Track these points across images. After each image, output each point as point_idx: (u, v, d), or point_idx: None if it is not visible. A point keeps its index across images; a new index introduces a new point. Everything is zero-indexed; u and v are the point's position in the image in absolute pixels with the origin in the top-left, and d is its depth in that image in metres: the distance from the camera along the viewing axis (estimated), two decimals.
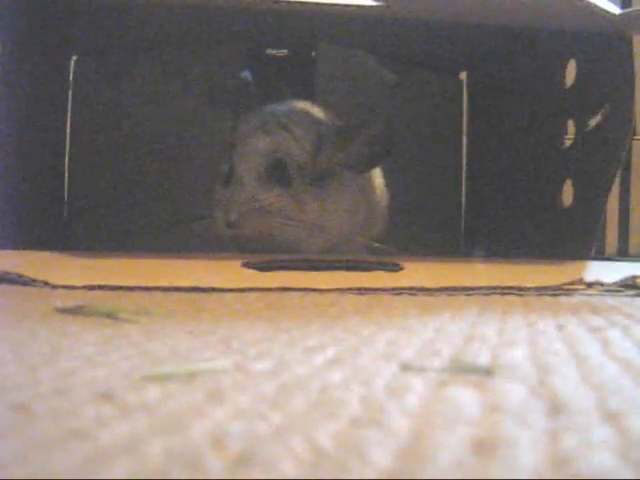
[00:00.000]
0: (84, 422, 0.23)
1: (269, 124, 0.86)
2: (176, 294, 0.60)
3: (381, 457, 0.20)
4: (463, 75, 1.22)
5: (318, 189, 0.86)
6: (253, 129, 0.87)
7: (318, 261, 0.75)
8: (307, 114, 0.91)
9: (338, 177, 0.87)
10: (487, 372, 0.32)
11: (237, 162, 0.85)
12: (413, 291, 0.65)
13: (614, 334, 0.45)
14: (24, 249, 0.80)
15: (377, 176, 0.95)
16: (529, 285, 0.68)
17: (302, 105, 0.93)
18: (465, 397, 0.27)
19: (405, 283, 0.67)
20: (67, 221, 1.10)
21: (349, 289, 0.65)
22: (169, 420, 0.24)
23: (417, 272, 0.74)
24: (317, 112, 0.92)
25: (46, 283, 0.62)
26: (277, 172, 0.84)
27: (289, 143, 0.85)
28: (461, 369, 0.32)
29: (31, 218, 0.94)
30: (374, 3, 0.79)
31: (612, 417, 0.25)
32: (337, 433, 0.23)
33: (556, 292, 0.68)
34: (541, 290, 0.68)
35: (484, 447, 0.22)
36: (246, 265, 0.71)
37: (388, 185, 0.96)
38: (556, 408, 0.26)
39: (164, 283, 0.63)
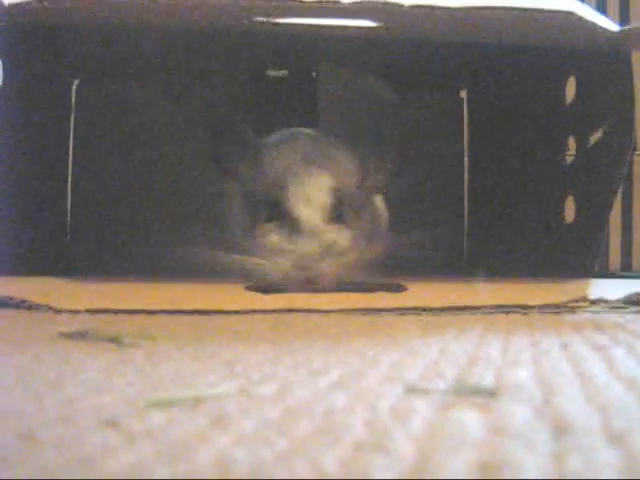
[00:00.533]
0: (89, 450, 0.23)
1: (312, 154, 0.79)
2: (179, 317, 0.60)
3: None
4: (463, 93, 1.22)
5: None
6: (295, 161, 0.78)
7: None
8: (333, 140, 0.83)
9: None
10: (491, 393, 0.32)
11: (292, 202, 0.75)
12: (417, 311, 0.65)
13: (618, 352, 0.45)
14: (27, 275, 0.80)
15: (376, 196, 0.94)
16: (533, 303, 0.68)
17: (314, 131, 0.88)
18: (470, 419, 0.27)
19: (408, 303, 0.67)
20: (70, 246, 1.10)
21: (352, 310, 0.65)
22: (174, 446, 0.24)
23: (420, 292, 0.74)
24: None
25: (49, 307, 0.62)
26: (337, 209, 0.76)
27: (340, 172, 0.78)
28: (465, 391, 0.32)
29: (33, 244, 0.94)
30: (374, 24, 0.79)
31: (617, 437, 0.25)
32: (342, 457, 0.23)
33: (560, 310, 0.67)
34: (545, 308, 0.68)
35: (489, 470, 0.22)
36: (249, 288, 0.71)
37: (389, 204, 0.96)
38: (561, 429, 0.26)
39: (167, 307, 0.63)
